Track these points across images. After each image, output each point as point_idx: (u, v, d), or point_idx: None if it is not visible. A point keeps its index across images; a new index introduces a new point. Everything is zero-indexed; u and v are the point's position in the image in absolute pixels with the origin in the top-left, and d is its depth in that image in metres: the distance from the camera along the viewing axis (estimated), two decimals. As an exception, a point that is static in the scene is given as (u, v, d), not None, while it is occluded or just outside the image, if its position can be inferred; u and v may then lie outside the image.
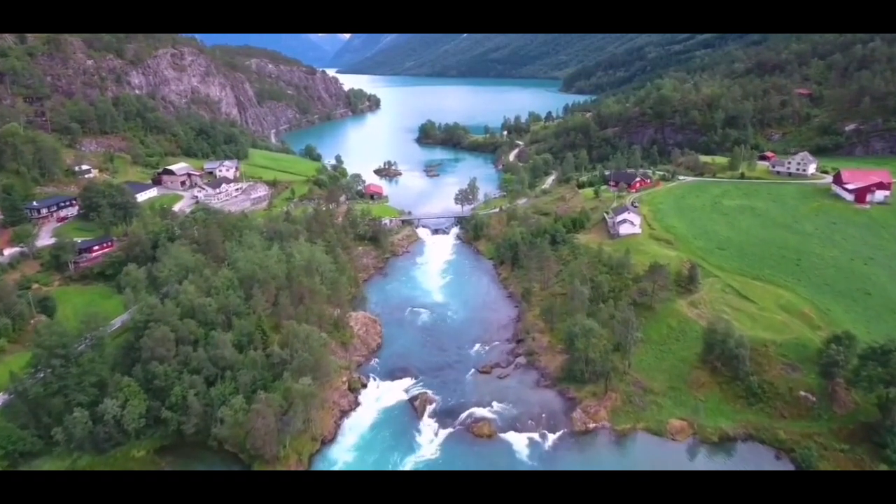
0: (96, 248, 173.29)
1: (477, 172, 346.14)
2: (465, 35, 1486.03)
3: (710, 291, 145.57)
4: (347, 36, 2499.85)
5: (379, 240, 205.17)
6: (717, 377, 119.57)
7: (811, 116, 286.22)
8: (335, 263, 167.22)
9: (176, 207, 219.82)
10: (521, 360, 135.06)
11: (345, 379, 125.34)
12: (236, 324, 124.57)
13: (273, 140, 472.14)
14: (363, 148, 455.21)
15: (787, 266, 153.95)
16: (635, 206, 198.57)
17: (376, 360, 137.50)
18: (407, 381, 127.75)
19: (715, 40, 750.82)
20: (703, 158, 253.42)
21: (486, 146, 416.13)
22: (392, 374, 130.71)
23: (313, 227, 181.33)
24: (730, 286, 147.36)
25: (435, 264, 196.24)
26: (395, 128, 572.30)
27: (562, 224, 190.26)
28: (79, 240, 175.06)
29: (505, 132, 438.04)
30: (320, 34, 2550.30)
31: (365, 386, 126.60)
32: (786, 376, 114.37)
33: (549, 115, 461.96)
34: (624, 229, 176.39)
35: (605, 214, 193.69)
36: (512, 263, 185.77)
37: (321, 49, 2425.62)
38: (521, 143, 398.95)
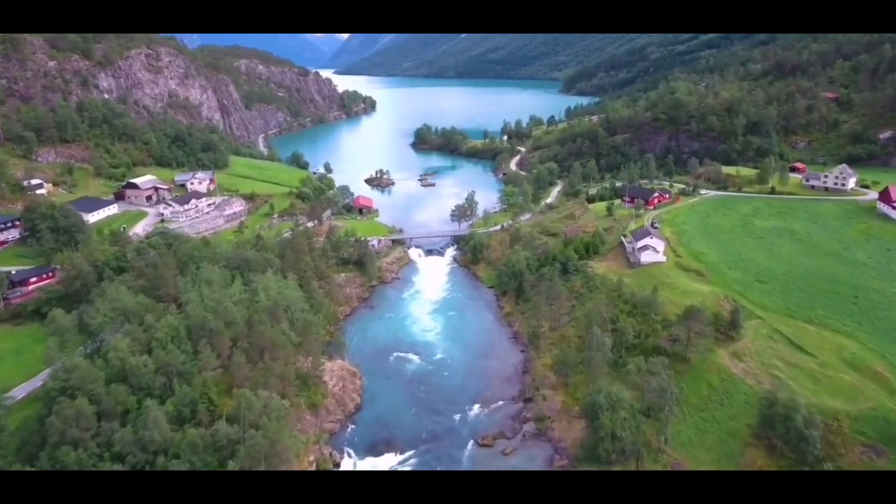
0: (34, 279, 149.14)
1: (475, 181, 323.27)
2: (463, 35, 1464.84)
3: (754, 339, 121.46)
4: (345, 36, 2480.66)
5: (365, 264, 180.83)
6: (778, 459, 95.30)
7: (840, 122, 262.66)
8: (310, 301, 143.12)
9: (139, 226, 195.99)
10: (530, 427, 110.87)
11: (312, 458, 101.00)
12: (178, 390, 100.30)
13: (261, 145, 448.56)
14: (356, 153, 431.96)
15: (843, 305, 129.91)
16: (656, 228, 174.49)
17: (353, 426, 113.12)
18: (390, 458, 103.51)
19: (720, 40, 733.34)
20: (726, 169, 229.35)
21: (485, 152, 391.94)
22: (372, 448, 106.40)
23: (287, 256, 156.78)
24: (778, 332, 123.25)
25: (428, 294, 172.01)
26: (390, 131, 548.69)
27: (573, 249, 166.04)
28: (14, 269, 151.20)
29: (505, 137, 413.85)
30: (318, 34, 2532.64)
31: (337, 465, 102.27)
32: (869, 463, 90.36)
33: (551, 118, 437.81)
34: (646, 257, 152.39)
35: (622, 237, 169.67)
36: (516, 295, 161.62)
37: (318, 49, 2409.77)
38: (522, 149, 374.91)
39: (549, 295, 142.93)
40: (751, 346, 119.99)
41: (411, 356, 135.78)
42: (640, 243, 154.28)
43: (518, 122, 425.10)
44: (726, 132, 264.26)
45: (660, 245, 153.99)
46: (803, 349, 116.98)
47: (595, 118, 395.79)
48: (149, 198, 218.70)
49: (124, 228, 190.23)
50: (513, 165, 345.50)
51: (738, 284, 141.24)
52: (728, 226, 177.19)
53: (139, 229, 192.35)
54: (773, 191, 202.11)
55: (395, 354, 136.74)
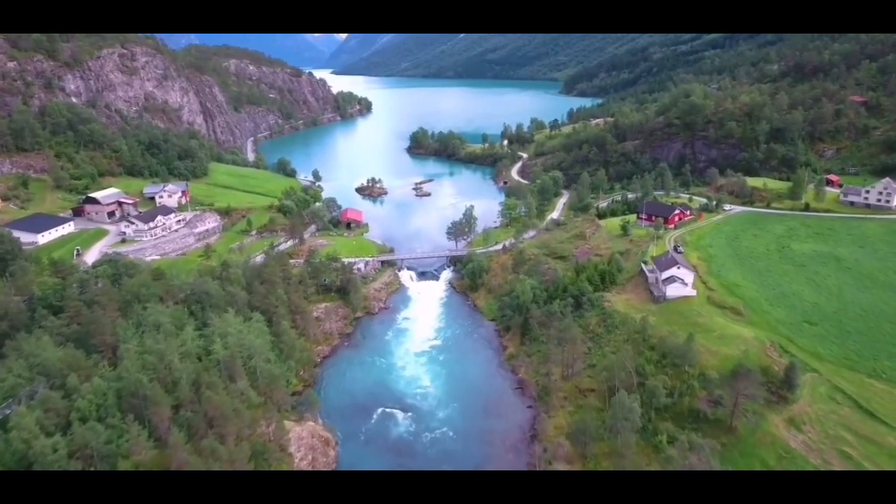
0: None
1: (474, 190, 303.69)
2: (461, 35, 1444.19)
3: (813, 400, 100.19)
4: (344, 36, 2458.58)
5: (349, 292, 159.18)
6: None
7: (870, 129, 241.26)
8: (278, 345, 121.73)
9: (95, 248, 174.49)
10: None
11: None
12: (95, 481, 78.47)
13: (249, 150, 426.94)
14: (348, 159, 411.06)
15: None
16: (680, 252, 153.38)
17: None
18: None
19: (724, 40, 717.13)
20: (751, 181, 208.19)
21: (484, 158, 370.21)
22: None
23: (256, 288, 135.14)
24: (839, 390, 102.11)
25: (420, 329, 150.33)
26: (385, 134, 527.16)
27: (586, 278, 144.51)
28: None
29: (505, 142, 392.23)
30: (316, 35, 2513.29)
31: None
32: None
33: (554, 122, 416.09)
34: (673, 290, 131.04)
35: (642, 264, 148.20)
36: (521, 333, 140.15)
37: (317, 49, 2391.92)
38: (524, 155, 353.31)
39: (561, 337, 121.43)
40: (809, 410, 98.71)
41: (398, 414, 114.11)
42: (666, 274, 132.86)
43: (519, 126, 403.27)
44: (747, 139, 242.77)
45: (688, 276, 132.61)
46: (875, 415, 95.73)
47: (600, 121, 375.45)
48: (111, 214, 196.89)
49: (78, 251, 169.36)
50: (514, 173, 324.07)
51: (783, 326, 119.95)
52: (762, 250, 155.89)
53: (95, 252, 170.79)
54: (807, 207, 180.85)
55: (380, 411, 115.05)
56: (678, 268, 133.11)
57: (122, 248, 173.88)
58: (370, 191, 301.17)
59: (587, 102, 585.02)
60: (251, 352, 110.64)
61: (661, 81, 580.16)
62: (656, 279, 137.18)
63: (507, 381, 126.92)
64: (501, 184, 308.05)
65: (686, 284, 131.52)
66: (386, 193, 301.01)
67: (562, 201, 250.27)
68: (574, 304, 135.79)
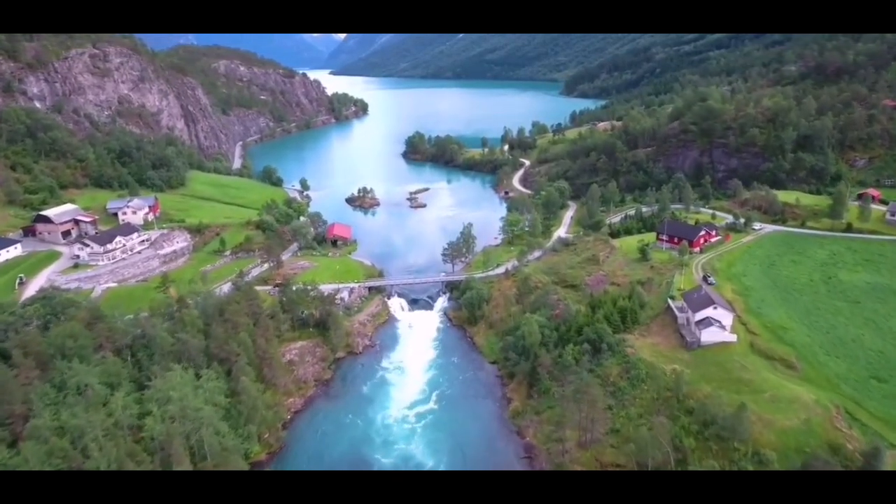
0: None
1: (473, 200, 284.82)
2: (460, 35, 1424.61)
3: (900, 490, 79.48)
4: (342, 36, 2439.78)
5: (329, 328, 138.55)
6: None
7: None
8: (236, 408, 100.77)
9: (43, 275, 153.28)
10: None
11: None
12: None
13: (237, 155, 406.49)
14: (341, 165, 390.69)
15: None
16: (711, 283, 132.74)
17: None
18: None
19: (730, 40, 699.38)
20: (782, 195, 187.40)
21: (483, 164, 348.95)
22: None
23: (214, 332, 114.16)
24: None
25: (410, 375, 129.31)
26: (381, 138, 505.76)
27: (603, 316, 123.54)
28: None
29: (506, 147, 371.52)
30: (315, 34, 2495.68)
31: None
32: None
33: (557, 126, 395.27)
34: (709, 335, 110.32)
35: (669, 300, 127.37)
36: (528, 384, 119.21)
37: (315, 50, 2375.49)
38: (526, 161, 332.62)
39: (579, 396, 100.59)
40: (897, 505, 78.01)
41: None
42: (700, 315, 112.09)
43: (520, 130, 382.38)
44: (771, 147, 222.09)
45: (727, 318, 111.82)
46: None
47: (606, 125, 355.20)
48: (66, 233, 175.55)
49: (21, 279, 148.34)
50: (515, 181, 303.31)
51: (846, 384, 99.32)
52: (804, 280, 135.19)
53: (42, 279, 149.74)
54: (849, 227, 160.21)
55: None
56: (714, 307, 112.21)
57: (74, 275, 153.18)
58: (361, 201, 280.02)
59: (589, 104, 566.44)
60: (198, 423, 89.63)
61: (666, 83, 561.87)
62: (687, 320, 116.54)
63: (512, 445, 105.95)
64: (503, 193, 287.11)
65: (724, 328, 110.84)
66: (378, 204, 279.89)
67: (569, 215, 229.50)
68: (591, 348, 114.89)
